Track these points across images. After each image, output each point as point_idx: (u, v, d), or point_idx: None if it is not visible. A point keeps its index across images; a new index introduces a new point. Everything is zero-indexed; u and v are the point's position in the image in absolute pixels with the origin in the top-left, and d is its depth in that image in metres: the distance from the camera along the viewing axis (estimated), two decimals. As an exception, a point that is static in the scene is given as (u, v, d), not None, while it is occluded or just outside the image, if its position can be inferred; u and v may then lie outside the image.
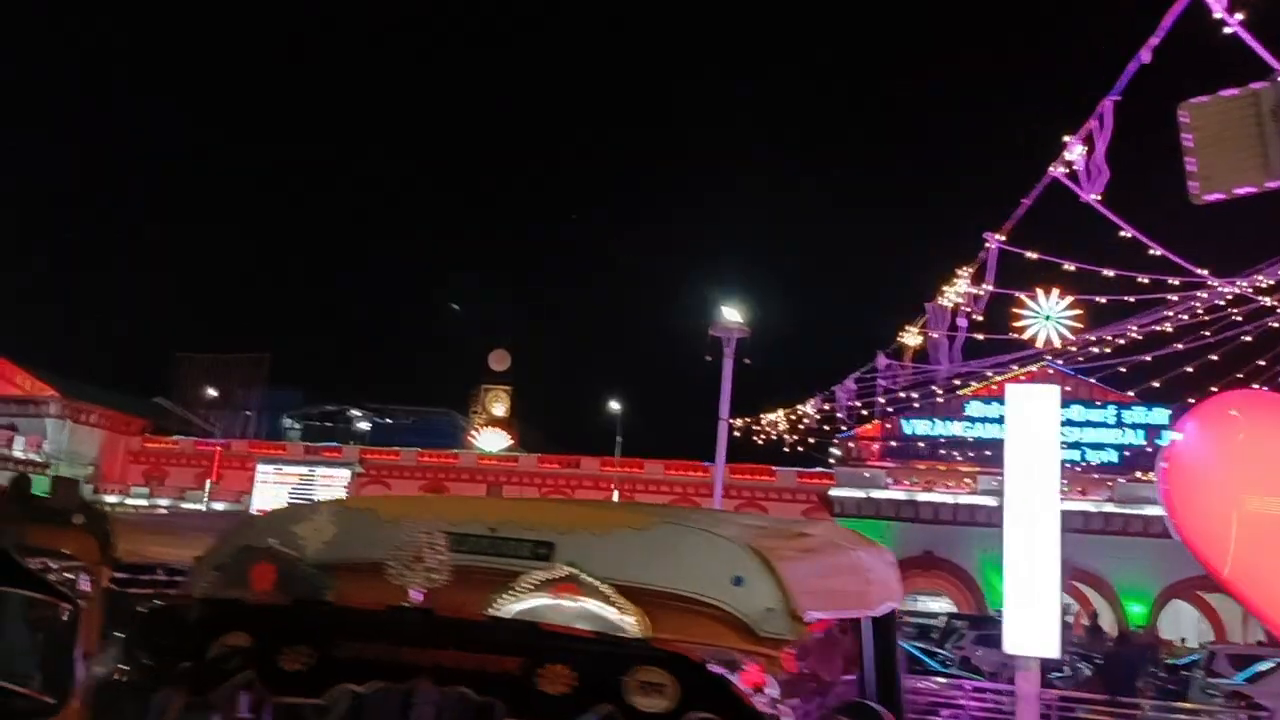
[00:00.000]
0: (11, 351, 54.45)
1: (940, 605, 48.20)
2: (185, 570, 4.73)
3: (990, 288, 12.33)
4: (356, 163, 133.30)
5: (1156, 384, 18.18)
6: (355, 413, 70.02)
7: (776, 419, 26.33)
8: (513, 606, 2.67)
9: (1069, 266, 12.84)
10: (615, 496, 49.92)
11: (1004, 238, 11.61)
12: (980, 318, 13.01)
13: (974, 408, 45.40)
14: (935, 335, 13.23)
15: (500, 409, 61.65)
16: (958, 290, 12.66)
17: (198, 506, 52.65)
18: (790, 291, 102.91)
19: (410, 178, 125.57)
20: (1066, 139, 9.17)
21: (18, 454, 51.72)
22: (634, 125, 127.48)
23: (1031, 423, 9.89)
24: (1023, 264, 12.29)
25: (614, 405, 49.22)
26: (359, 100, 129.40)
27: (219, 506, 52.95)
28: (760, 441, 29.10)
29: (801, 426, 25.16)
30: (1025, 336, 19.23)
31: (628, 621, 2.57)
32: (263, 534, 3.05)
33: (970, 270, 12.57)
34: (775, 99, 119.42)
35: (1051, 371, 35.29)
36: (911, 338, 14.99)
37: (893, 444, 46.41)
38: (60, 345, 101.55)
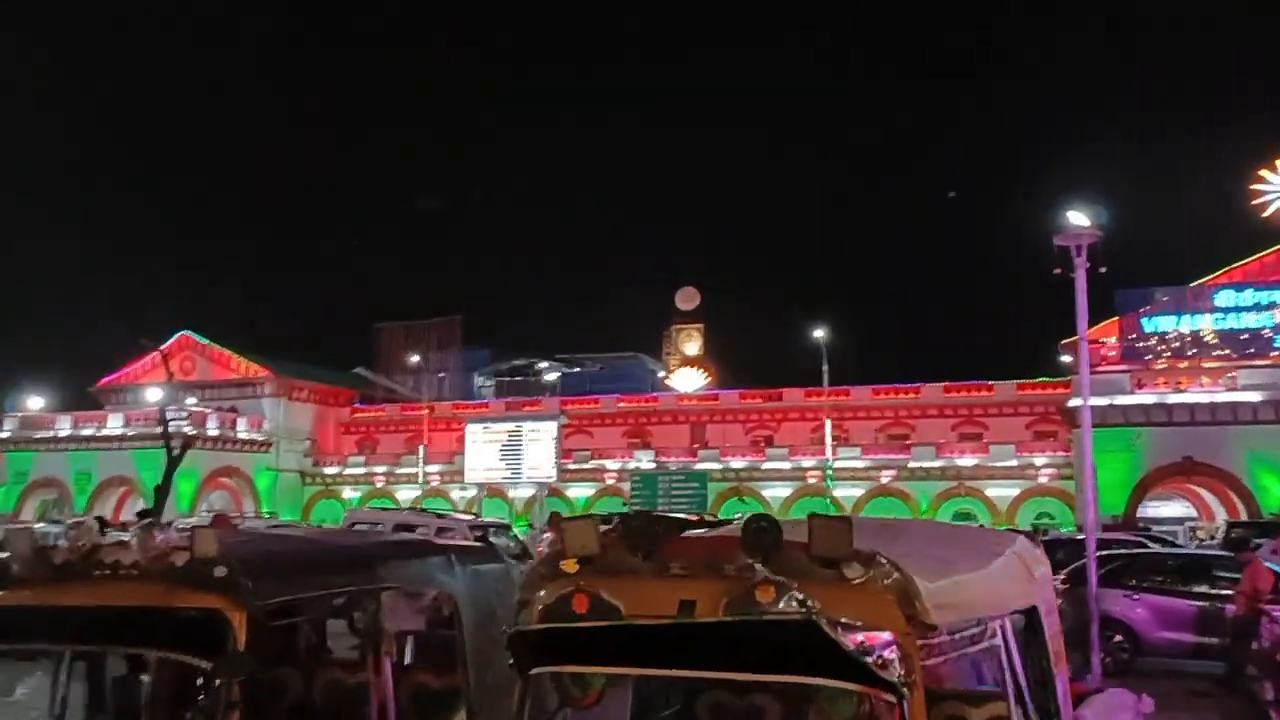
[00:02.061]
0: (224, 337, 56.28)
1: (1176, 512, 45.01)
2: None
3: None
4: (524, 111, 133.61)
5: None
6: (544, 364, 70.08)
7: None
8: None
9: None
10: (828, 427, 48.14)
11: None
12: None
13: (1224, 297, 41.53)
14: None
15: (693, 347, 60.47)
16: None
17: (414, 471, 53.59)
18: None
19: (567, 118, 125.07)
20: None
21: (241, 435, 53.53)
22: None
23: None
24: None
25: (818, 333, 47.05)
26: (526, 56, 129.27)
27: (433, 469, 53.78)
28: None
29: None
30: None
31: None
32: None
33: None
34: None
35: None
36: None
37: (1134, 342, 42.82)
38: (264, 325, 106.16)
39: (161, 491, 19.72)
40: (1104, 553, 15.65)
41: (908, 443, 50.92)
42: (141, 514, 20.81)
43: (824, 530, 3.31)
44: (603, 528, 3.77)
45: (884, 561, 3.29)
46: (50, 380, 58.43)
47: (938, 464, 48.76)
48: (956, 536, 4.73)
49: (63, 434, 52.77)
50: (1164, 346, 43.11)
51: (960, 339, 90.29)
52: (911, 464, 48.97)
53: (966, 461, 48.62)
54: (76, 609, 3.90)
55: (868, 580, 3.25)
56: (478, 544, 7.67)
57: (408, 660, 5.52)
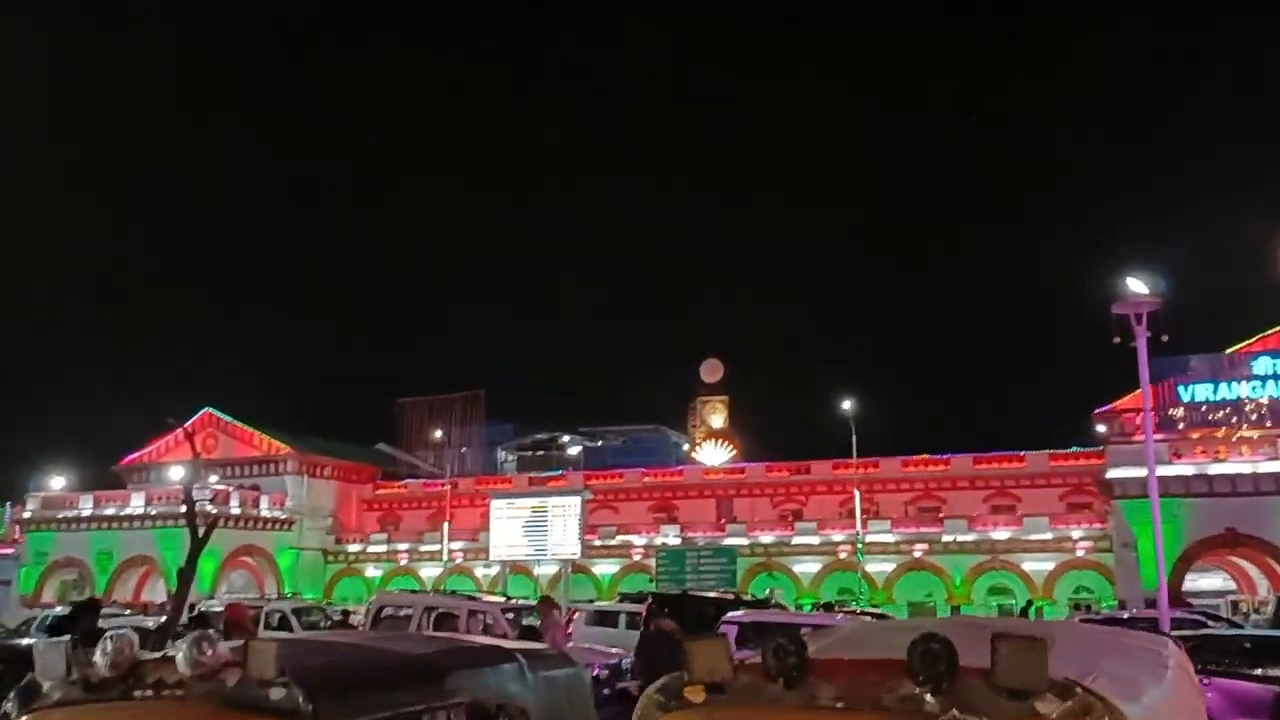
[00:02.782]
0: (246, 415, 56.07)
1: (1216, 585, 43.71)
2: None
3: None
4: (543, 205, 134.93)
5: None
6: (566, 438, 69.73)
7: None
8: None
9: None
10: (857, 499, 47.29)
11: None
12: None
13: (1262, 364, 40.81)
14: None
15: (718, 420, 59.88)
16: None
17: (437, 548, 52.84)
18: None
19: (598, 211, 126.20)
20: None
21: (264, 513, 53.03)
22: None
23: None
24: None
25: (845, 404, 46.47)
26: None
27: (457, 546, 53.01)
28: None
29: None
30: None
31: None
32: None
33: None
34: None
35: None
36: None
37: (1171, 413, 42.04)
38: (285, 402, 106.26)
39: (186, 575, 19.24)
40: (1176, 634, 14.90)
41: (939, 515, 49.95)
42: (172, 598, 20.32)
43: (1014, 655, 2.72)
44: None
45: (1081, 691, 2.75)
46: (73, 459, 58.30)
47: (970, 537, 47.70)
48: (1114, 644, 4.10)
49: (85, 514, 52.39)
50: (1201, 415, 42.30)
51: (990, 409, 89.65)
52: (944, 537, 47.90)
53: (1000, 535, 47.56)
54: None
55: (1064, 716, 2.71)
56: (543, 647, 7.05)
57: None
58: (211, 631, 3.86)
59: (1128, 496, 40.16)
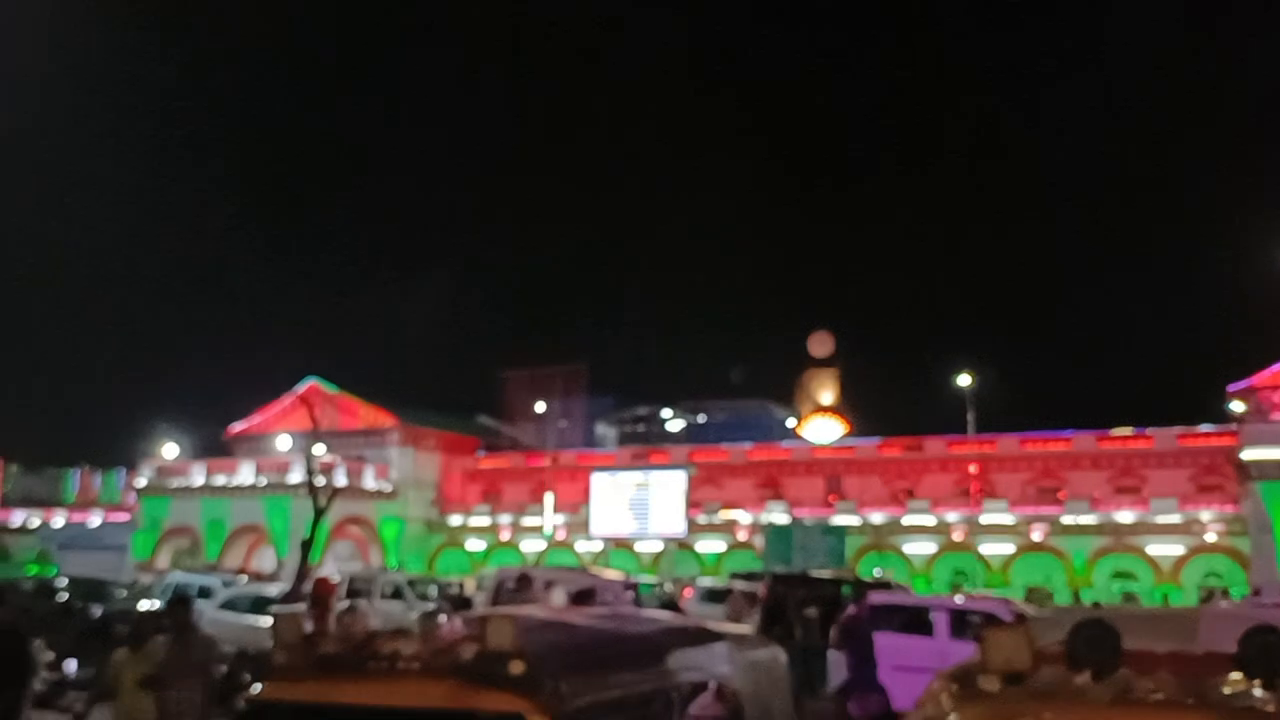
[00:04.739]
0: (351, 385, 56.38)
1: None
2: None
3: None
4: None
5: None
6: (668, 412, 68.89)
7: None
8: None
9: None
10: (973, 479, 45.46)
11: None
12: None
13: None
14: None
15: (827, 395, 58.21)
16: None
17: (538, 522, 52.58)
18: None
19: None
20: None
21: (369, 484, 53.33)
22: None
23: None
24: None
25: (962, 379, 44.60)
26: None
27: (559, 519, 52.64)
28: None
29: None
30: None
31: None
32: None
33: None
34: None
35: None
36: None
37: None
38: (388, 374, 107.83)
39: (307, 545, 19.04)
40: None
41: (1059, 496, 47.80)
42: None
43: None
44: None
45: None
46: (185, 428, 59.53)
47: (1093, 519, 45.53)
48: None
49: (196, 483, 53.36)
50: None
51: (1114, 385, 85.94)
52: (1065, 519, 45.79)
53: (1125, 517, 45.29)
54: (350, 708, 3.40)
55: None
56: (744, 629, 7.10)
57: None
58: (445, 604, 3.44)
59: (1265, 478, 37.74)
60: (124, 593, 24.13)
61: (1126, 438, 49.44)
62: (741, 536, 49.74)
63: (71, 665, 16.69)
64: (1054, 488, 49.13)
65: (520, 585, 18.68)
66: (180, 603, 9.11)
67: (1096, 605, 32.39)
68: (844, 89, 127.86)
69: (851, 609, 14.21)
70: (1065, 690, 2.81)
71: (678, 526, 47.75)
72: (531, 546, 52.59)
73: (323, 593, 10.68)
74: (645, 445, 60.94)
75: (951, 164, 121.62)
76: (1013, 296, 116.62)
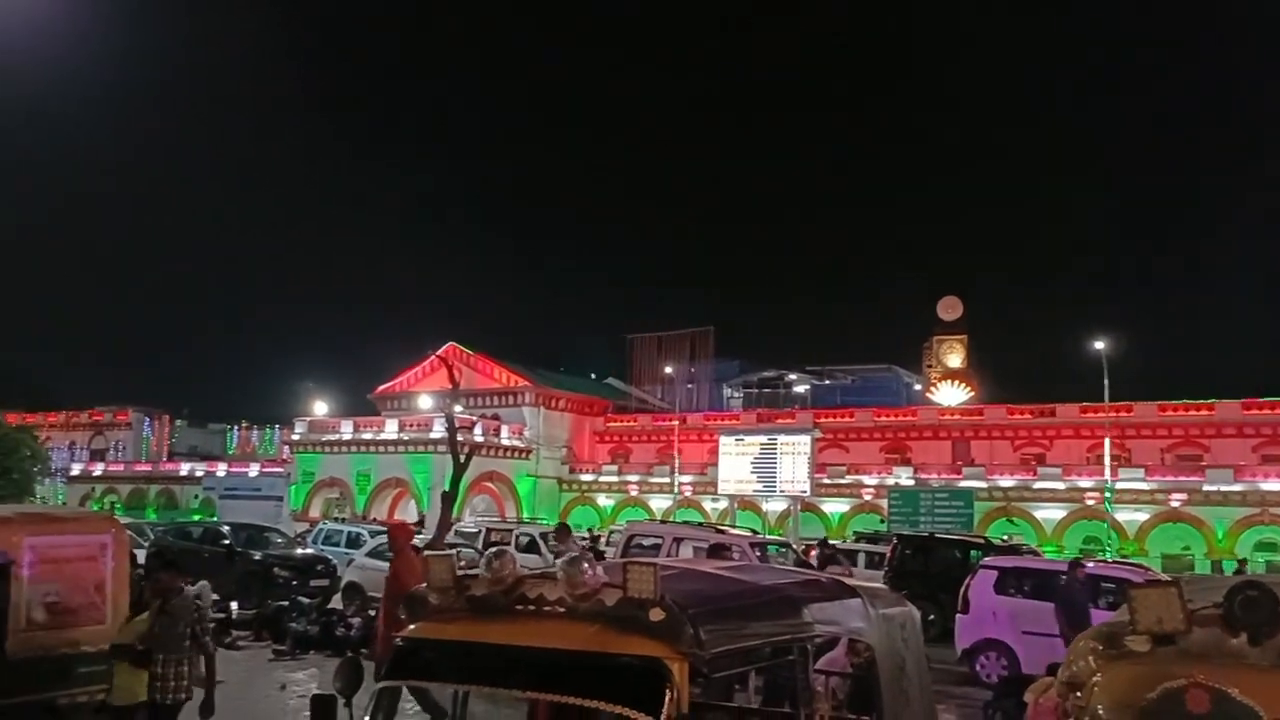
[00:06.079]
0: (488, 347, 58.55)
1: None
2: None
3: None
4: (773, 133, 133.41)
5: None
6: (793, 376, 69.01)
7: None
8: None
9: None
10: (1107, 445, 44.51)
11: None
12: None
13: None
14: None
15: (955, 360, 57.59)
16: None
17: (666, 480, 53.76)
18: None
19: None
20: None
21: (505, 441, 55.44)
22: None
23: None
24: None
25: (1097, 344, 43.59)
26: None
27: (686, 480, 53.74)
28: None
29: None
30: None
31: None
32: None
33: None
34: None
35: None
36: None
37: None
38: (521, 336, 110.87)
39: (449, 498, 20.46)
40: None
41: (1201, 464, 46.41)
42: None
43: None
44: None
45: None
46: (335, 388, 62.87)
47: (1237, 488, 44.08)
48: None
49: (345, 438, 56.36)
50: None
51: (1261, 349, 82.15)
52: (1206, 487, 44.47)
53: (1271, 486, 43.72)
54: (497, 648, 3.51)
55: None
56: (880, 585, 7.00)
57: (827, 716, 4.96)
58: (587, 552, 3.90)
59: None
60: (281, 539, 25.91)
61: (1276, 405, 47.59)
62: (867, 498, 49.96)
63: (234, 605, 18.25)
64: (1195, 455, 47.73)
65: (647, 540, 19.59)
66: (163, 565, 8.19)
67: (1241, 570, 31.64)
68: (973, 65, 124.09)
69: (1064, 576, 13.86)
70: (1221, 652, 2.72)
71: (803, 486, 48.20)
72: (658, 504, 53.89)
73: (406, 536, 10.71)
74: (770, 408, 61.37)
75: (1080, 134, 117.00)
76: (1145, 258, 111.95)
